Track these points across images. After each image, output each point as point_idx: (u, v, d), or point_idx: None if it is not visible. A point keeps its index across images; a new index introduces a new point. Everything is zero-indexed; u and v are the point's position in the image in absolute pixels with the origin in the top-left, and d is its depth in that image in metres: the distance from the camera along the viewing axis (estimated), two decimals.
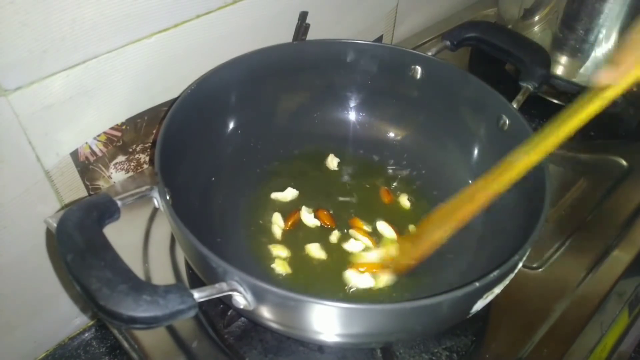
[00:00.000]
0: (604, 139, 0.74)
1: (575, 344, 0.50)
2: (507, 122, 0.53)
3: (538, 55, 0.58)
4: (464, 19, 0.98)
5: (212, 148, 0.57)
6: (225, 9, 0.58)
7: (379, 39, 0.85)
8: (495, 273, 0.37)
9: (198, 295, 0.33)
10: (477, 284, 0.36)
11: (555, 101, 0.78)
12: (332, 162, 0.63)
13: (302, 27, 0.65)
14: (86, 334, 0.66)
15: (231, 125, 0.60)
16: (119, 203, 0.39)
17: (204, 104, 0.54)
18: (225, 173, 0.58)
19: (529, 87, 0.56)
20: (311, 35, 0.66)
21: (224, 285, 0.35)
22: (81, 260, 0.33)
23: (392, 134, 0.66)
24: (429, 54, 0.60)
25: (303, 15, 0.65)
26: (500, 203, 0.53)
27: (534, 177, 0.46)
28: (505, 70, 0.83)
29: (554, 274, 0.56)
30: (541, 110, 0.74)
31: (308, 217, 0.56)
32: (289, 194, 0.59)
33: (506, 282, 0.40)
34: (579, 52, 0.69)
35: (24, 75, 0.46)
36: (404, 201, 0.59)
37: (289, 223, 0.56)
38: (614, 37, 0.66)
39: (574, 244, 0.59)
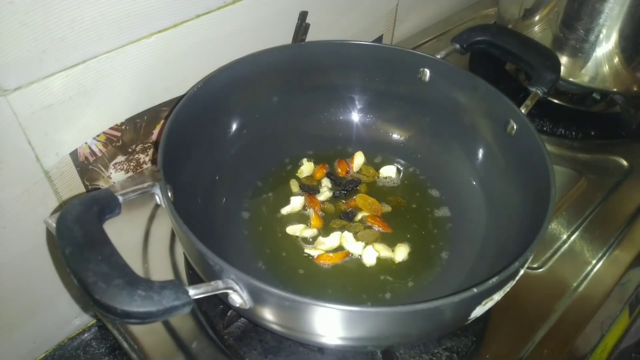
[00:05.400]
0: (604, 139, 0.73)
1: (575, 344, 0.50)
2: (515, 127, 0.53)
3: (548, 60, 0.57)
4: (464, 18, 0.98)
5: (216, 147, 0.57)
6: (225, 9, 0.58)
7: (379, 39, 0.85)
8: (494, 279, 0.37)
9: (193, 292, 0.33)
10: (475, 289, 0.36)
11: (556, 101, 0.78)
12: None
13: (302, 26, 0.65)
14: (86, 335, 0.66)
15: (236, 125, 0.60)
16: (120, 198, 0.39)
17: (209, 103, 0.54)
18: (229, 173, 0.58)
19: (538, 92, 0.55)
20: (311, 35, 0.66)
21: (219, 283, 0.35)
22: (79, 253, 0.33)
23: (397, 136, 0.66)
24: (438, 56, 0.60)
25: (303, 15, 0.65)
26: (505, 207, 0.54)
27: (539, 183, 0.46)
28: (505, 70, 0.83)
29: (555, 274, 0.56)
30: (541, 110, 0.74)
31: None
32: (297, 202, 0.58)
33: (507, 289, 0.40)
34: (580, 52, 0.69)
35: (23, 75, 0.46)
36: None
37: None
38: (614, 37, 0.66)
39: (574, 244, 0.59)
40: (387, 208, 0.58)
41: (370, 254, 0.53)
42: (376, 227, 0.56)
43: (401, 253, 0.54)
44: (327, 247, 0.54)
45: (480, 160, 0.60)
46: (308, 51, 0.62)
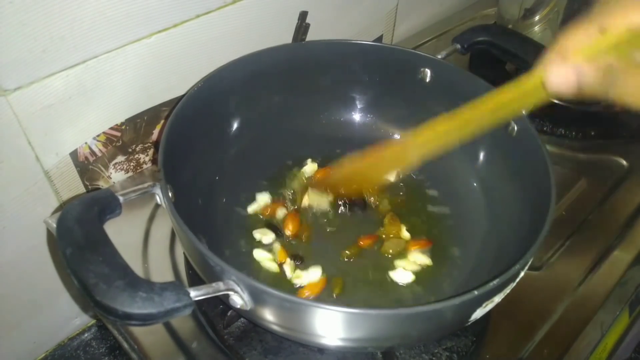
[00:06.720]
0: (604, 139, 0.73)
1: (575, 345, 0.50)
2: (515, 127, 0.53)
3: None
4: (464, 18, 0.98)
5: (217, 147, 0.57)
6: (225, 9, 0.58)
7: (379, 39, 0.85)
8: (495, 282, 0.37)
9: (194, 293, 0.33)
10: (475, 292, 0.36)
11: (556, 101, 0.77)
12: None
13: (302, 26, 0.65)
14: (86, 334, 0.66)
15: (236, 125, 0.60)
16: (121, 199, 0.39)
17: (209, 102, 0.54)
18: (229, 173, 0.58)
19: None
20: (311, 35, 0.66)
21: (220, 285, 0.35)
22: (80, 254, 0.33)
23: (397, 136, 0.66)
24: (439, 57, 0.60)
25: (303, 15, 0.65)
26: (505, 208, 0.54)
27: (539, 184, 0.46)
28: (505, 70, 0.83)
29: (554, 274, 0.56)
30: (541, 110, 0.73)
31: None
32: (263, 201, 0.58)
33: (507, 291, 0.40)
34: None
35: (23, 75, 0.46)
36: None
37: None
38: None
39: (574, 244, 0.59)
40: (387, 207, 0.58)
41: (403, 275, 0.52)
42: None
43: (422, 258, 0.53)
44: (307, 281, 0.51)
45: (481, 161, 0.60)
46: (308, 51, 0.62)
